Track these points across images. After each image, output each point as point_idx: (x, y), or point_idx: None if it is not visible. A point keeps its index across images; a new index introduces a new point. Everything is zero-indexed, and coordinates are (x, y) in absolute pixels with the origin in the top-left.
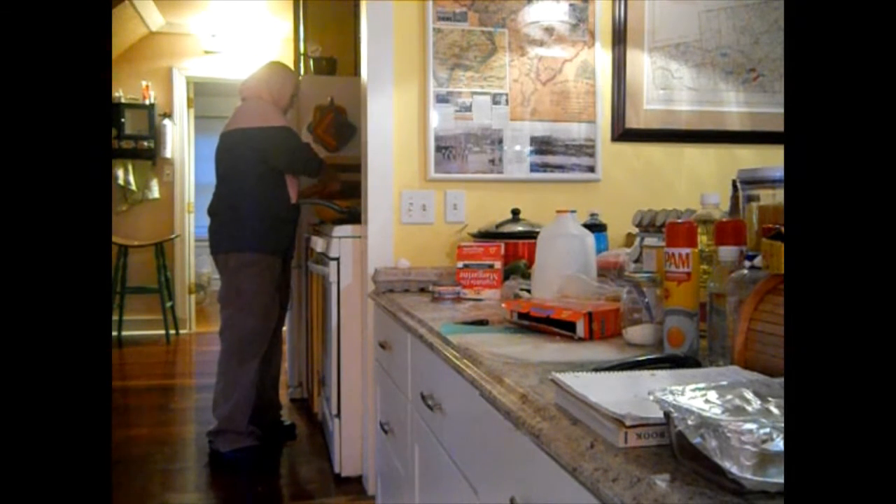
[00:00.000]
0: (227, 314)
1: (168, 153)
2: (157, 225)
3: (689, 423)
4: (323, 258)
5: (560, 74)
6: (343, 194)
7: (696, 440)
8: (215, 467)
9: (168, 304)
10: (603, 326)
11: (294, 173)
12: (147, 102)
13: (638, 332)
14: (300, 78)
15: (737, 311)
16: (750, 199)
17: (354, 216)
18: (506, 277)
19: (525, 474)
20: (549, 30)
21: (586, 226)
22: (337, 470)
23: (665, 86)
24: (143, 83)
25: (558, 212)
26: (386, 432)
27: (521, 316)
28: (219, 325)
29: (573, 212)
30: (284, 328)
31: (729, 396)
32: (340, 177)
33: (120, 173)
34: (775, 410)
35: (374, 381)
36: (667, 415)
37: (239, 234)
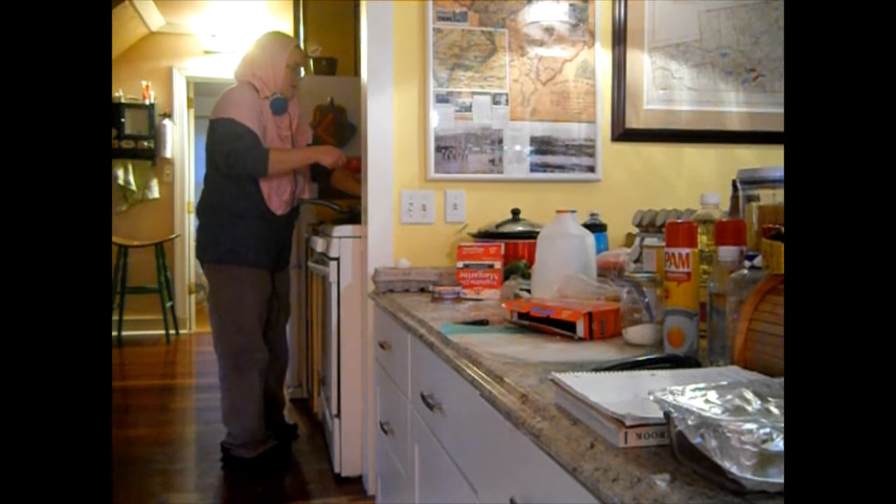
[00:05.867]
0: (214, 327)
1: (168, 153)
2: (157, 225)
3: (689, 423)
4: (323, 258)
5: (560, 74)
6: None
7: (696, 440)
8: (215, 468)
9: (168, 304)
10: (603, 326)
11: (237, 174)
12: (147, 102)
13: (638, 332)
14: (300, 49)
15: (737, 311)
16: (750, 199)
17: (354, 216)
18: (506, 277)
19: (525, 474)
20: (549, 30)
21: (586, 226)
22: (337, 470)
23: (665, 86)
24: (143, 83)
25: (558, 212)
26: (386, 432)
27: (521, 316)
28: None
29: (573, 212)
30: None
31: (729, 396)
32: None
33: (120, 173)
34: (775, 410)
35: (374, 381)
36: (667, 415)
37: (217, 242)
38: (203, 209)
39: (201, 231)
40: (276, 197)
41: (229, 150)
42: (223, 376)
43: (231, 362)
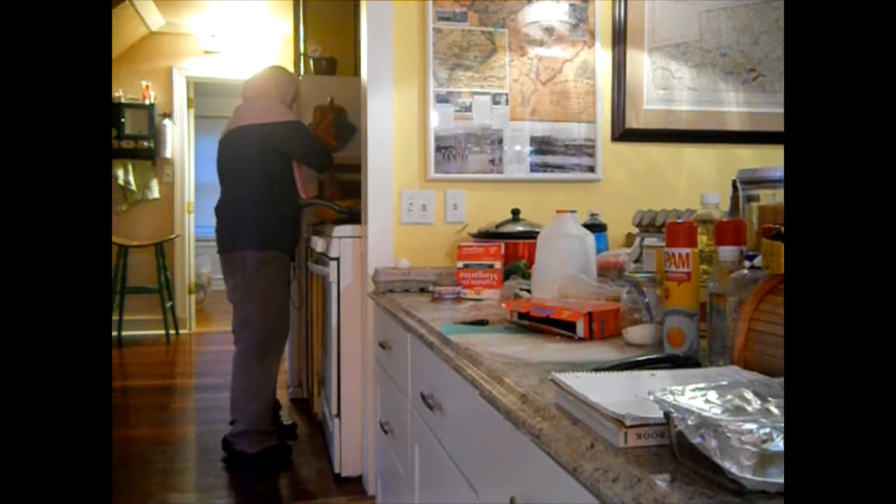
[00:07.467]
0: (246, 313)
1: (168, 153)
2: (157, 225)
3: (689, 423)
4: (323, 258)
5: (560, 74)
6: (343, 196)
7: (696, 440)
8: (215, 468)
9: (168, 304)
10: (603, 326)
11: (311, 166)
12: (147, 102)
13: (638, 332)
14: (300, 80)
15: (737, 311)
16: (750, 199)
17: (354, 216)
18: (506, 277)
19: (525, 474)
20: (549, 30)
21: (586, 226)
22: (337, 470)
23: (665, 86)
24: (143, 83)
25: (558, 212)
26: (386, 432)
27: (521, 316)
28: (231, 325)
29: (573, 212)
30: None
31: (729, 396)
32: (339, 177)
33: (120, 173)
34: (775, 410)
35: (374, 381)
36: (667, 415)
37: (261, 231)
38: (246, 202)
39: (247, 221)
40: (304, 186)
41: (312, 141)
42: (243, 360)
43: (260, 343)
